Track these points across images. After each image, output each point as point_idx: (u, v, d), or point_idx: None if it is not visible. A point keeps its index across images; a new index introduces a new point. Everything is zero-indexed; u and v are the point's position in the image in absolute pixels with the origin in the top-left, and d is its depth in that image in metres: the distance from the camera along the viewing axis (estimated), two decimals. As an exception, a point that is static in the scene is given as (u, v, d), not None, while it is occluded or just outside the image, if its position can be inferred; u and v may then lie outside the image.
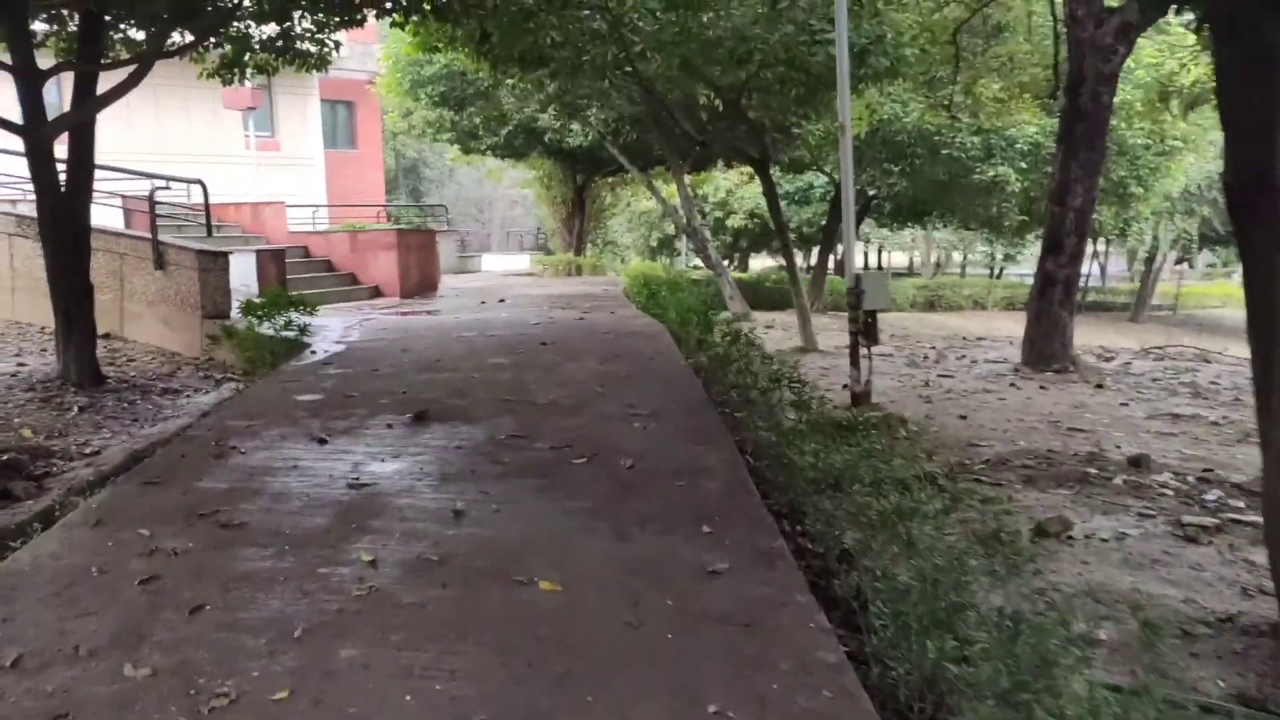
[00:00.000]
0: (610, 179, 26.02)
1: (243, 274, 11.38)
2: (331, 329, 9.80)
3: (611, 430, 5.55)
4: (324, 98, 27.88)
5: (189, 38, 8.57)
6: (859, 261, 53.93)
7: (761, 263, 46.87)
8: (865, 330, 7.85)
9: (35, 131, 7.42)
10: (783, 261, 52.19)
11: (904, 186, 21.06)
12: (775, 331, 16.44)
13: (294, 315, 8.68)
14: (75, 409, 6.93)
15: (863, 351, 7.91)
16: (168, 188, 10.66)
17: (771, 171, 14.47)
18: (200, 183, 12.41)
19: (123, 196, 13.03)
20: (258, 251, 11.63)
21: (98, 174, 8.11)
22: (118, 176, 11.09)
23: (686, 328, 9.69)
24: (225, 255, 9.41)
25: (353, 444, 5.34)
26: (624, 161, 17.88)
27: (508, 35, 10.06)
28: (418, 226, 15.44)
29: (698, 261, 38.67)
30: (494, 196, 49.01)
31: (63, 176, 7.68)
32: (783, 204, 35.03)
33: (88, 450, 5.77)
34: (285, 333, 8.63)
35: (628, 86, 14.45)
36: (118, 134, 23.75)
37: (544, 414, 6.00)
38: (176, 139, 24.42)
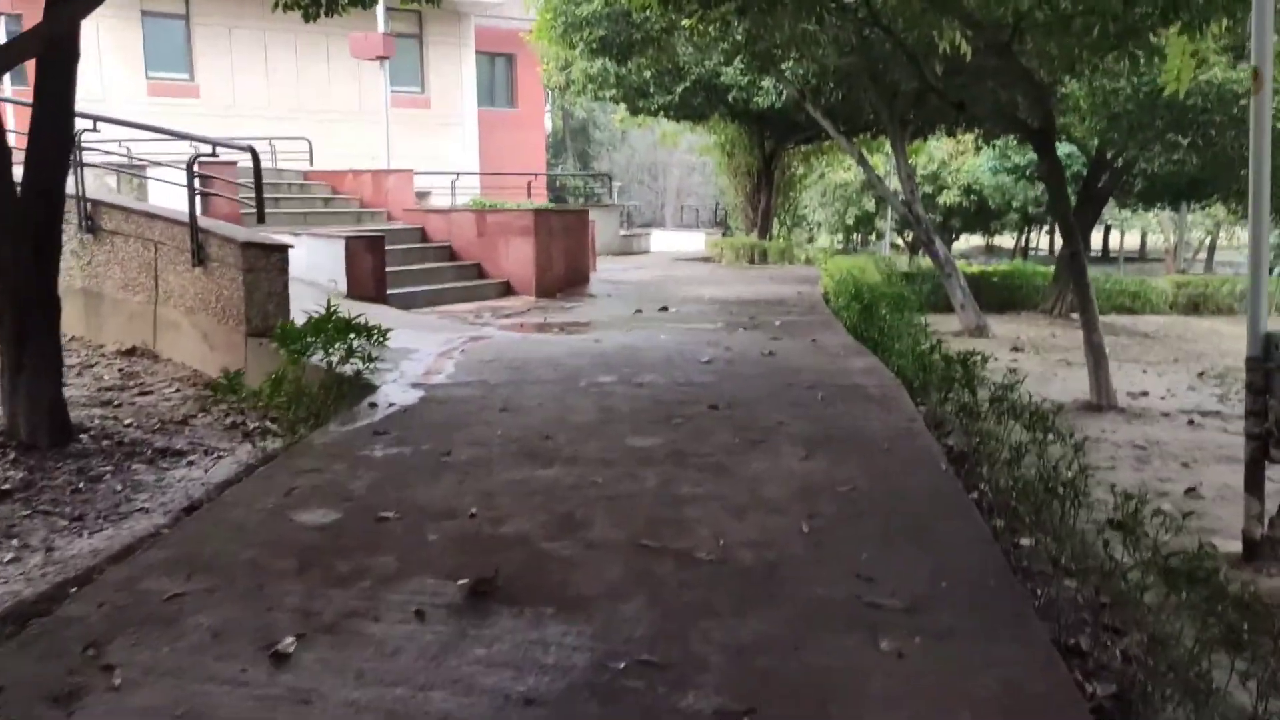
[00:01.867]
0: (805, 146, 22.96)
1: (328, 267, 9.23)
2: (420, 354, 7.45)
3: (834, 659, 2.83)
4: (481, 49, 26.05)
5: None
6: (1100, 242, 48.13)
7: (967, 243, 42.49)
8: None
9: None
10: (990, 241, 47.32)
11: (1192, 162, 17.05)
12: (1029, 359, 13.11)
13: (360, 341, 6.33)
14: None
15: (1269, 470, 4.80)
16: (214, 155, 8.56)
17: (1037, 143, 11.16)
18: (286, 143, 10.44)
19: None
20: (347, 239, 9.45)
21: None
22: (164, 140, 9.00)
23: (928, 376, 6.79)
24: (282, 250, 7.19)
25: (332, 667, 2.84)
26: (827, 126, 14.88)
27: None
28: (562, 207, 12.93)
29: (899, 242, 34.95)
30: (669, 162, 46.48)
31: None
32: (1008, 179, 31.00)
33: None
34: (346, 367, 6.31)
35: (842, 27, 11.47)
36: (248, 88, 22.81)
37: (708, 590, 3.33)
38: (313, 94, 23.08)
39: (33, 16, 18.57)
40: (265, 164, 16.19)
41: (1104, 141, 16.67)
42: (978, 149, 26.27)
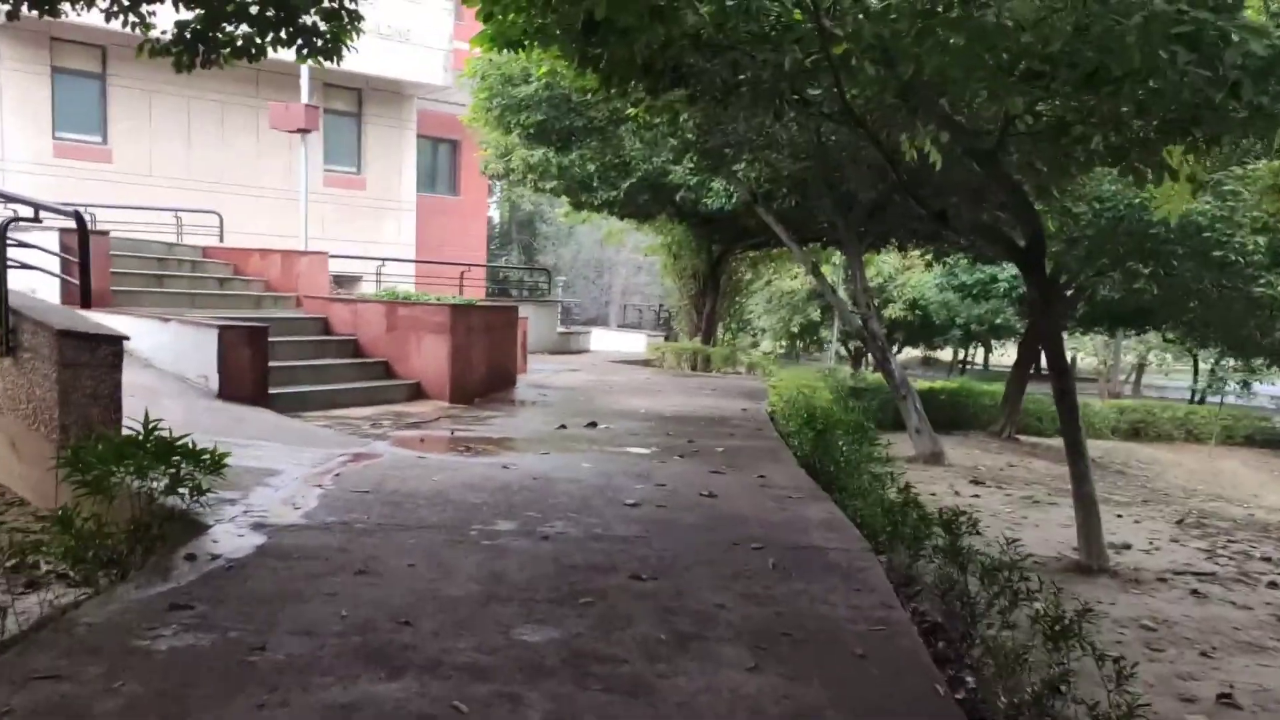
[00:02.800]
0: (753, 252, 22.17)
1: (199, 360, 7.83)
2: (283, 478, 6.04)
3: None
4: (423, 134, 25.13)
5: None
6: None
7: (906, 354, 42.12)
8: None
9: None
10: (927, 354, 46.97)
11: (1152, 292, 16.48)
12: (992, 495, 12.03)
13: (190, 467, 4.91)
14: None
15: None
16: (38, 220, 7.19)
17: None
18: (197, 216, 8.99)
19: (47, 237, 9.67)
20: (221, 328, 8.08)
21: None
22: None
23: (897, 530, 5.58)
24: (114, 341, 5.79)
25: None
26: (779, 232, 13.97)
27: (622, 21, 6.33)
28: (487, 303, 11.59)
29: (842, 351, 34.30)
30: (615, 259, 45.86)
31: None
32: (953, 296, 30.59)
33: None
34: (173, 497, 4.88)
35: (802, 125, 10.59)
36: (166, 155, 21.45)
37: None
38: (237, 167, 21.80)
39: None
40: (167, 238, 14.86)
41: (1057, 265, 16.03)
42: (928, 265, 25.78)
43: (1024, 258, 8.85)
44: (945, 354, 44.01)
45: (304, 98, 16.25)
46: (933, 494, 10.86)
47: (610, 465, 7.31)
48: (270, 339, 9.60)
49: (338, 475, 6.24)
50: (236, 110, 21.44)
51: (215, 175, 21.33)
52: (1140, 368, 42.33)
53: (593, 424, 9.35)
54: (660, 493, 6.40)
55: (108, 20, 7.29)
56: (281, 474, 6.11)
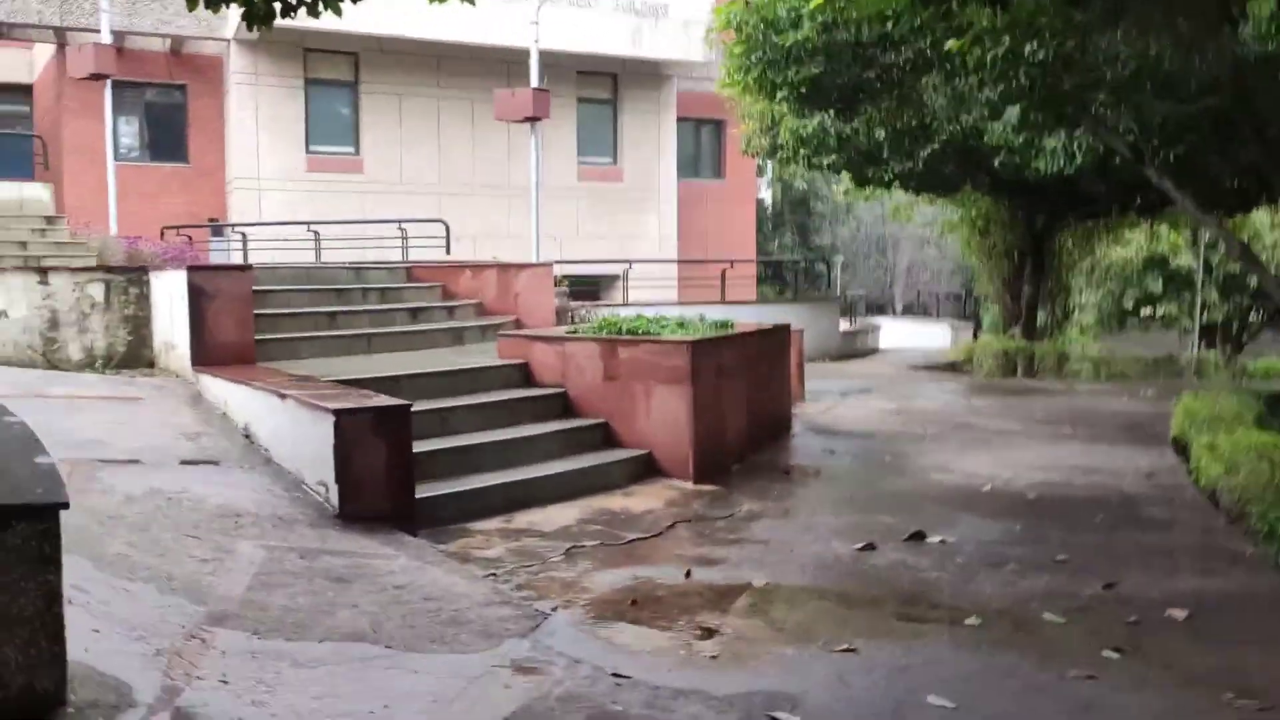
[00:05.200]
0: (1089, 222, 17.15)
1: (317, 459, 4.96)
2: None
3: None
4: (684, 116, 21.91)
5: None
6: None
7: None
8: None
9: None
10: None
11: None
12: None
13: None
14: None
15: None
16: None
17: None
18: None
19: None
20: (339, 414, 5.08)
21: None
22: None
23: None
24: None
25: None
26: (1180, 200, 9.33)
27: None
28: (743, 330, 7.85)
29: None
30: (900, 235, 40.78)
31: None
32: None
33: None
34: None
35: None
36: (416, 162, 19.77)
37: None
38: (487, 167, 19.58)
39: (199, 88, 15.80)
40: (353, 256, 12.41)
41: None
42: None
43: None
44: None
45: (533, 81, 13.42)
46: None
47: (995, 697, 3.58)
48: (447, 405, 6.64)
49: None
50: (486, 107, 19.17)
51: (465, 178, 19.25)
52: None
53: (918, 535, 5.58)
54: None
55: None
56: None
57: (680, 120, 21.63)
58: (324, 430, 5.14)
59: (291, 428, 5.59)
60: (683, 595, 4.67)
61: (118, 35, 17.18)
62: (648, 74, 20.74)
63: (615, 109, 20.94)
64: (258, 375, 6.46)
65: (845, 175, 16.06)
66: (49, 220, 12.35)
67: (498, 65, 18.29)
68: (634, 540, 5.56)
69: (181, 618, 3.73)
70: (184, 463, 5.54)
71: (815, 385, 11.20)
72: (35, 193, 13.39)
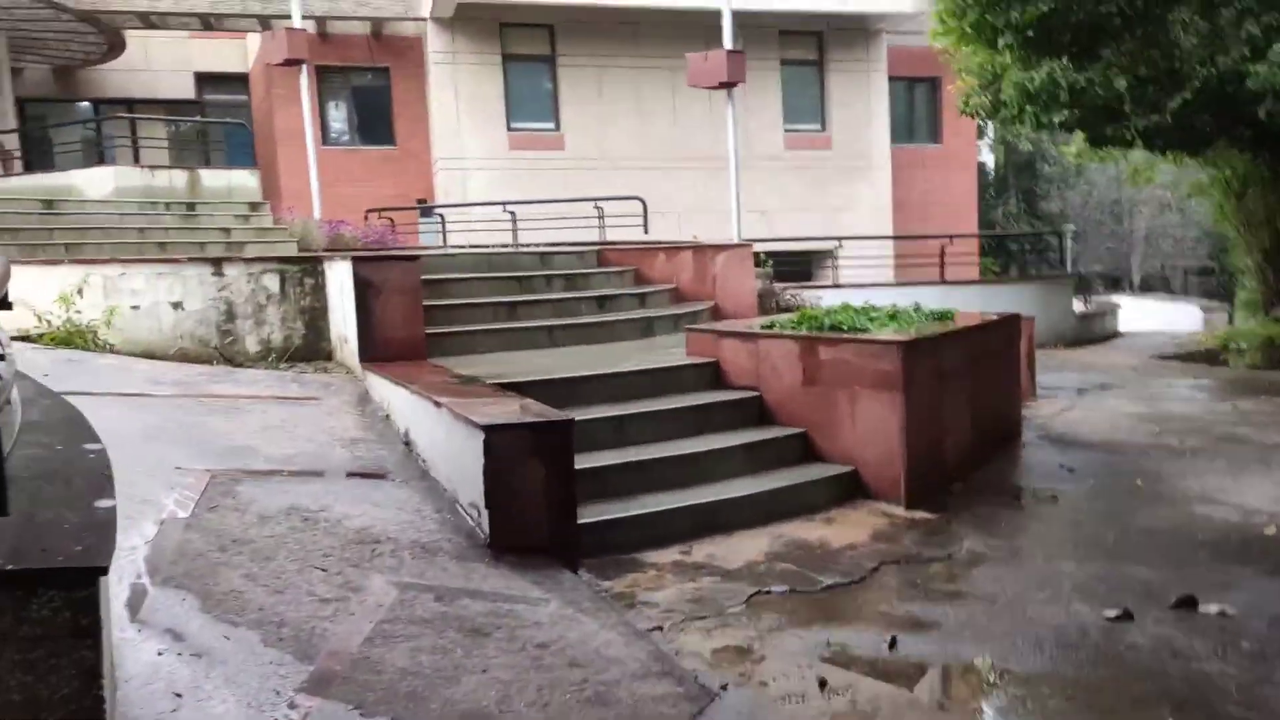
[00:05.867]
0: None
1: (470, 478, 4.41)
2: None
3: None
4: (894, 75, 20.29)
5: None
6: None
7: None
8: None
9: None
10: None
11: None
12: None
13: None
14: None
15: None
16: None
17: None
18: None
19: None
20: (489, 430, 4.45)
21: None
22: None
23: None
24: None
25: None
26: None
27: None
28: (964, 324, 6.63)
29: None
30: (1138, 198, 36.82)
31: None
32: None
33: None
34: None
35: None
36: (617, 136, 19.09)
37: None
38: (691, 138, 18.77)
39: (401, 70, 15.97)
40: (590, 234, 11.83)
41: None
42: None
43: None
44: None
45: (726, 43, 12.45)
46: None
47: None
48: (624, 411, 5.92)
49: None
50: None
51: (667, 150, 18.55)
52: None
53: (1188, 602, 4.36)
54: None
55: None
56: None
57: (891, 80, 20.03)
58: (474, 447, 4.53)
59: (446, 440, 5.03)
60: (884, 676, 3.73)
61: (319, 21, 17.57)
62: (854, 30, 19.29)
63: (821, 71, 19.62)
64: (420, 375, 5.98)
65: (1078, 135, 14.23)
66: (253, 206, 12.67)
67: (697, 29, 17.42)
68: (831, 587, 4.64)
69: (279, 680, 3.19)
70: (331, 474, 5.11)
71: (1047, 379, 9.76)
72: (242, 180, 13.78)
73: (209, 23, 18.49)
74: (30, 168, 16.25)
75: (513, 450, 4.53)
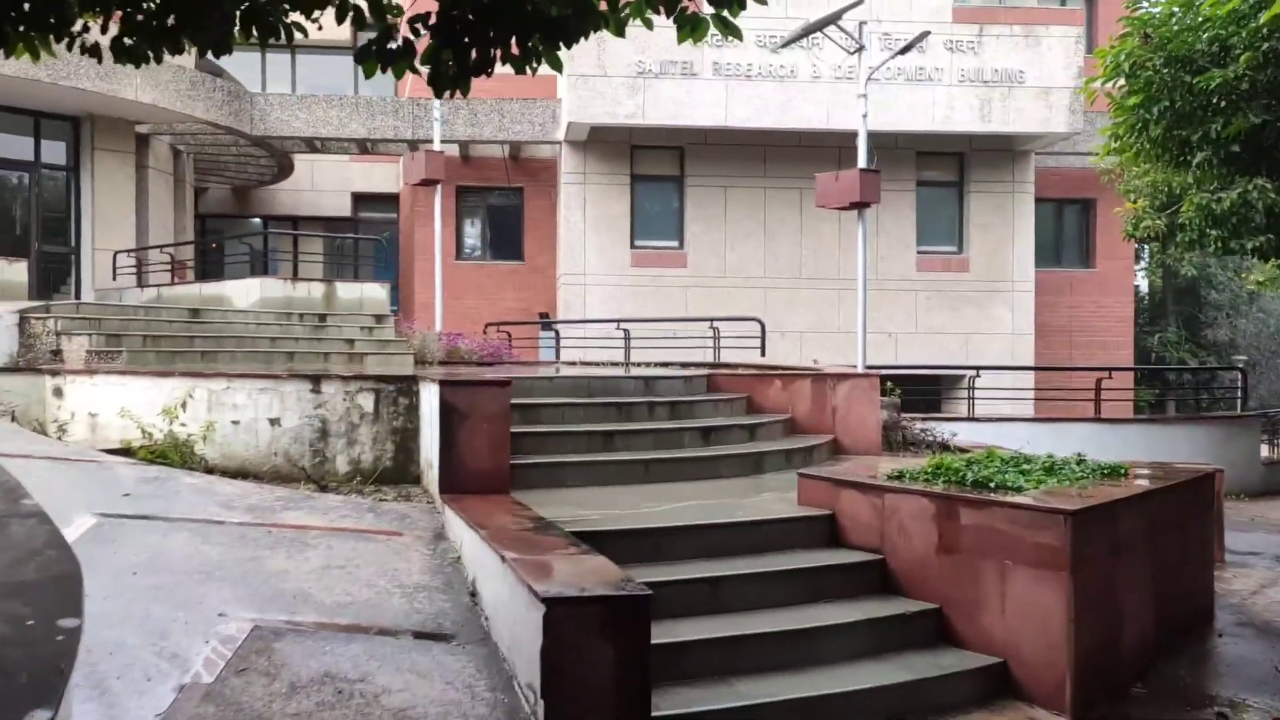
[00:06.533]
0: None
1: (529, 656, 3.64)
2: None
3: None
4: (1043, 196, 19.23)
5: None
6: None
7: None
8: None
9: None
10: None
11: None
12: None
13: None
14: None
15: None
16: None
17: None
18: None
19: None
20: (551, 602, 3.75)
21: None
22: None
23: None
24: None
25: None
26: None
27: None
28: (1145, 487, 5.47)
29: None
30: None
31: None
32: None
33: None
34: None
35: None
36: (737, 256, 18.30)
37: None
38: (815, 259, 18.11)
39: (533, 190, 16.21)
40: (664, 356, 11.15)
41: None
42: None
43: None
44: None
45: (861, 162, 11.79)
46: None
47: None
48: (720, 572, 5.09)
49: None
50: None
51: (792, 270, 17.95)
52: None
53: None
54: None
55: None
56: None
57: (1037, 201, 18.94)
58: (534, 619, 3.80)
59: (509, 601, 4.32)
60: None
61: (463, 144, 18.12)
62: (1000, 150, 18.39)
63: (961, 191, 18.74)
64: (495, 515, 5.32)
65: (1258, 264, 12.80)
66: (378, 318, 12.62)
67: (828, 151, 17.00)
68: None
69: None
70: (381, 632, 4.45)
71: (1236, 541, 8.35)
72: (374, 292, 13.88)
73: (365, 147, 19.47)
74: (202, 277, 17.06)
75: (577, 629, 3.78)
